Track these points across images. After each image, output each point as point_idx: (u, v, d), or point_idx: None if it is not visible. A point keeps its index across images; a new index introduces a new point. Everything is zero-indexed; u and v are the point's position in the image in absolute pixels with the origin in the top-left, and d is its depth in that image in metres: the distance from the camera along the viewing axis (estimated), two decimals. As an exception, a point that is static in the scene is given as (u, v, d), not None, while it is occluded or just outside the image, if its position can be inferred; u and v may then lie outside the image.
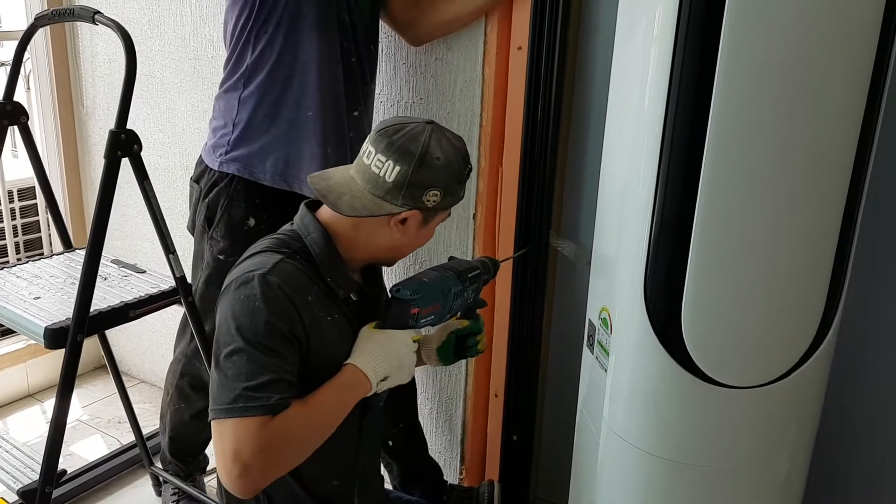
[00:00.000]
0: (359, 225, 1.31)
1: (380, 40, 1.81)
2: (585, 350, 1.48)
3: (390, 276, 1.99)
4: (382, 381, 1.30)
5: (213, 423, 1.20)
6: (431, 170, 1.26)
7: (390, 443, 1.90)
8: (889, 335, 1.57)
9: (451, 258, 1.52)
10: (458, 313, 1.49)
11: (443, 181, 1.28)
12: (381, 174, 1.25)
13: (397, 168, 1.24)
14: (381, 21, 1.79)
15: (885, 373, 1.60)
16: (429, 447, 2.02)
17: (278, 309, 1.21)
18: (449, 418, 2.10)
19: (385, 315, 1.33)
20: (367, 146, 1.29)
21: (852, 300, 1.32)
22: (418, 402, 2.03)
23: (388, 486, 1.96)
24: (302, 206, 1.36)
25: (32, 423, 2.56)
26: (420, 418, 2.00)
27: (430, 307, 1.34)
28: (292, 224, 1.36)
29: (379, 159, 1.26)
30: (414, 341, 1.34)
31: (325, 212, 1.33)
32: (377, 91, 1.86)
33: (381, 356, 1.29)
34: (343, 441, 1.33)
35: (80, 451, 2.39)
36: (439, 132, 1.29)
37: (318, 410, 1.24)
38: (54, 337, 1.48)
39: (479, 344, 1.52)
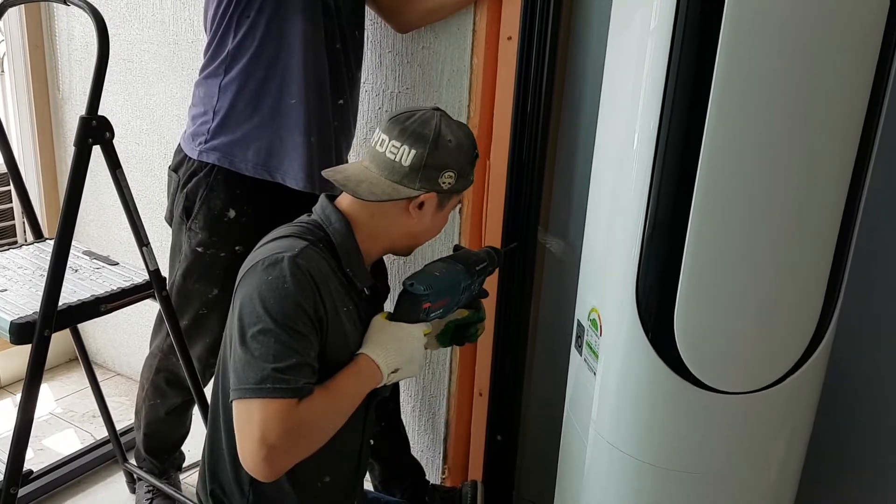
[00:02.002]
0: (377, 214, 1.33)
1: (365, 27, 1.75)
2: (573, 351, 1.44)
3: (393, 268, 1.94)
4: (393, 372, 1.31)
5: (236, 402, 1.19)
6: (445, 151, 1.29)
7: (371, 441, 1.86)
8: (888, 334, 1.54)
9: (456, 247, 1.54)
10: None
11: (456, 162, 1.31)
12: (397, 159, 1.28)
13: (413, 152, 1.28)
14: (366, 7, 1.73)
15: (884, 373, 1.56)
16: (411, 446, 1.98)
17: (307, 293, 1.21)
18: (432, 417, 2.06)
19: (397, 308, 1.35)
20: (380, 135, 1.31)
21: (850, 301, 1.28)
22: (401, 400, 1.99)
23: (368, 486, 1.91)
24: (322, 197, 1.37)
25: (3, 417, 2.49)
26: (402, 416, 1.96)
27: (440, 301, 1.36)
28: (310, 214, 1.37)
29: (394, 145, 1.29)
30: (424, 335, 1.36)
31: (343, 203, 1.35)
32: (362, 80, 1.81)
33: (393, 348, 1.31)
34: (348, 434, 1.33)
35: (53, 445, 2.33)
36: (447, 117, 1.33)
37: (339, 397, 1.25)
38: (20, 332, 1.42)
39: (478, 331, 1.53)
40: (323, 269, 1.26)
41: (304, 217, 1.37)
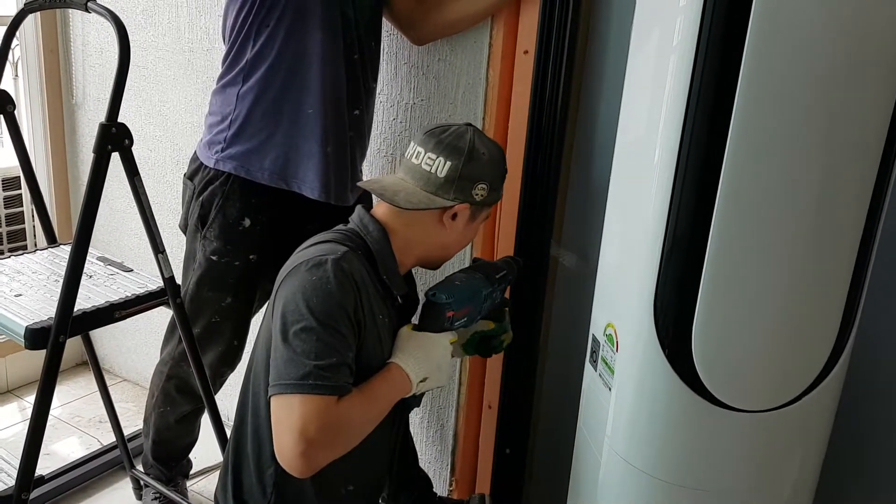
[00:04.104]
0: (412, 224, 1.37)
1: (381, 38, 1.75)
2: (588, 366, 1.44)
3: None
4: (422, 381, 1.34)
5: (275, 398, 1.22)
6: (479, 164, 1.35)
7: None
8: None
9: (475, 259, 1.59)
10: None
11: (489, 175, 1.37)
12: (433, 171, 1.33)
13: (448, 163, 1.33)
14: (383, 19, 1.74)
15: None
16: (419, 458, 1.97)
17: (348, 295, 1.25)
18: (440, 428, 2.06)
19: (421, 318, 1.38)
20: (415, 148, 1.36)
21: (867, 318, 1.28)
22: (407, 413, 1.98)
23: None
24: (358, 207, 1.41)
25: (10, 420, 2.49)
26: (411, 428, 1.96)
27: (463, 310, 1.39)
28: (346, 224, 1.40)
29: (430, 157, 1.34)
30: (450, 343, 1.39)
31: (378, 213, 1.39)
32: (377, 91, 1.81)
33: (422, 357, 1.34)
34: (376, 444, 1.36)
35: (59, 450, 2.32)
36: (480, 132, 1.39)
37: (373, 400, 1.28)
38: (35, 337, 1.42)
39: (503, 343, 1.56)
40: (363, 274, 1.29)
41: (340, 226, 1.40)
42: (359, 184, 1.36)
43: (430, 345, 1.35)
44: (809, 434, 1.30)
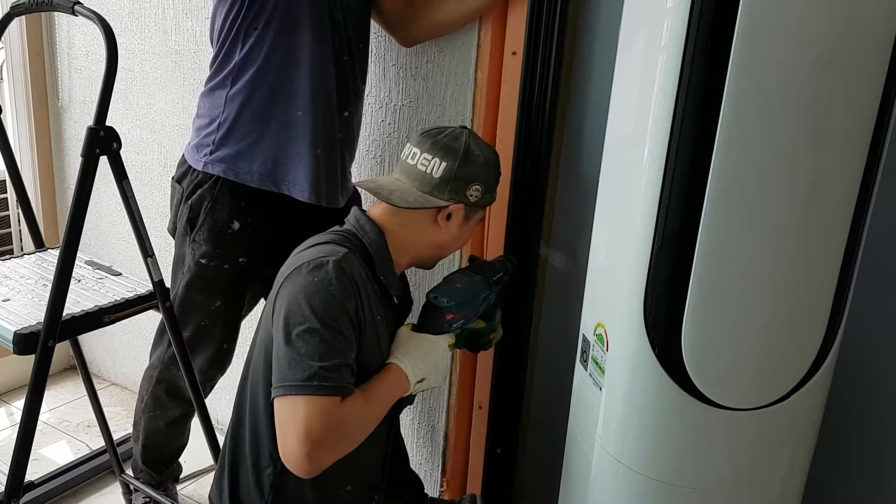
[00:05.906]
0: (407, 224, 1.38)
1: (370, 40, 1.76)
2: (578, 366, 1.44)
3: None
4: (419, 382, 1.36)
5: (279, 399, 1.23)
6: (474, 165, 1.37)
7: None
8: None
9: (472, 258, 1.61)
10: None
11: (483, 176, 1.39)
12: (428, 171, 1.35)
13: (444, 164, 1.35)
14: (371, 20, 1.74)
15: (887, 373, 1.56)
16: (409, 459, 1.97)
17: (350, 296, 1.26)
18: (431, 429, 2.06)
19: (421, 320, 1.40)
20: (410, 149, 1.39)
21: (854, 316, 1.29)
22: (400, 412, 1.98)
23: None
24: (354, 208, 1.42)
25: (-2, 426, 2.48)
26: (401, 429, 1.96)
27: (462, 312, 1.41)
28: (342, 225, 1.41)
29: (425, 157, 1.36)
30: (448, 345, 1.41)
31: (374, 214, 1.40)
32: (365, 92, 1.81)
33: (420, 358, 1.36)
34: (373, 443, 1.37)
35: (48, 455, 2.31)
36: (475, 135, 1.41)
37: (374, 401, 1.30)
38: (24, 342, 1.41)
39: (491, 341, 1.59)
40: (362, 275, 1.30)
41: (336, 227, 1.41)
42: (354, 183, 1.37)
43: (429, 346, 1.38)
44: (798, 432, 1.32)
